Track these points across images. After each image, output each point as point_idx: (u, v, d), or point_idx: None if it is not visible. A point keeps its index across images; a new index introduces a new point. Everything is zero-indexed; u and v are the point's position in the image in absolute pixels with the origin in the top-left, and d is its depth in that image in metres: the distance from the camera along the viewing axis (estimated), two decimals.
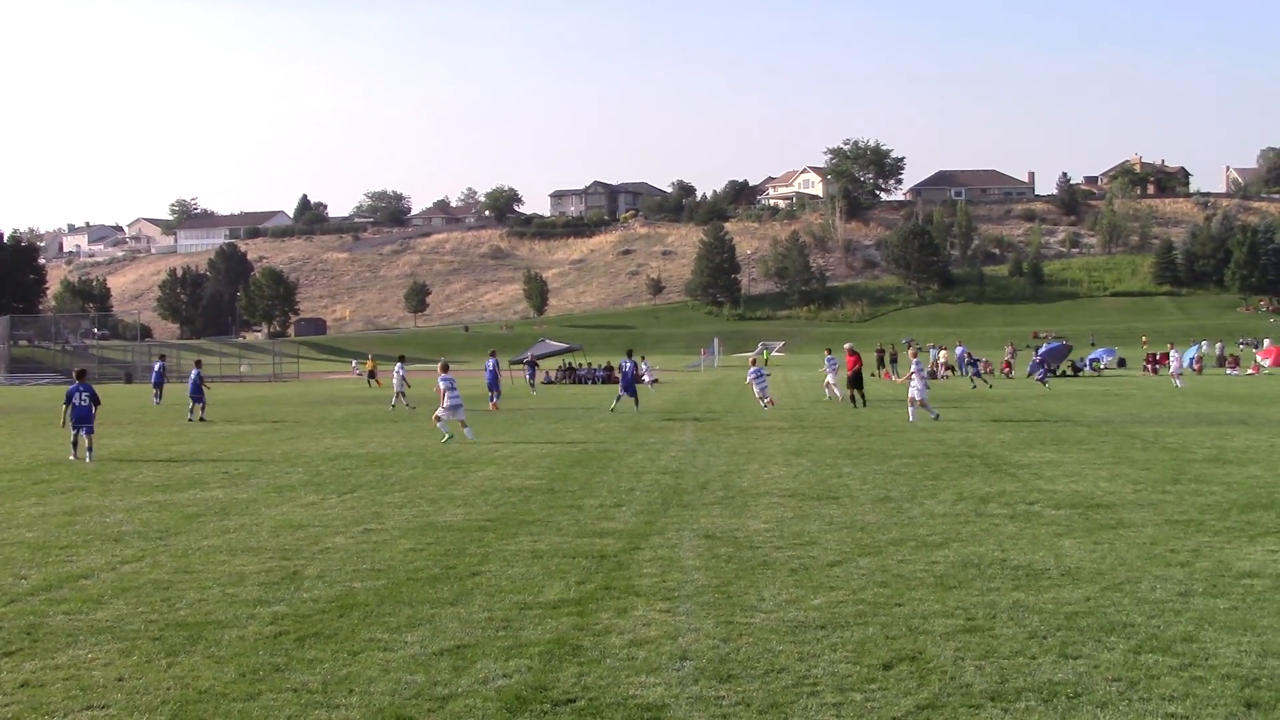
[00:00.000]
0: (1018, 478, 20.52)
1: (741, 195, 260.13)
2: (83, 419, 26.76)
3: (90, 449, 26.37)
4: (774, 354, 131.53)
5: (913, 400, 34.48)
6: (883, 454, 24.87)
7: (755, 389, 42.12)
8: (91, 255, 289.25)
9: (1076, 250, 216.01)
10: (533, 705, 8.17)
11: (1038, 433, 29.56)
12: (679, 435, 30.86)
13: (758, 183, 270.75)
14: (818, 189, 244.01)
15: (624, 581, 12.20)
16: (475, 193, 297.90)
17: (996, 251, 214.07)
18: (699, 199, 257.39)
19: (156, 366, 53.88)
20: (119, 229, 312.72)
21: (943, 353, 74.65)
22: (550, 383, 72.72)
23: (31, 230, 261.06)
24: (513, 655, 9.42)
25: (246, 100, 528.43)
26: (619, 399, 42.92)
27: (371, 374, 74.23)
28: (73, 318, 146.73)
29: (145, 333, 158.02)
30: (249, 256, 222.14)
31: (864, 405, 41.95)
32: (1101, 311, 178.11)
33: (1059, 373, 70.14)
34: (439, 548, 14.39)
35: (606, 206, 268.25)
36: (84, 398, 27.17)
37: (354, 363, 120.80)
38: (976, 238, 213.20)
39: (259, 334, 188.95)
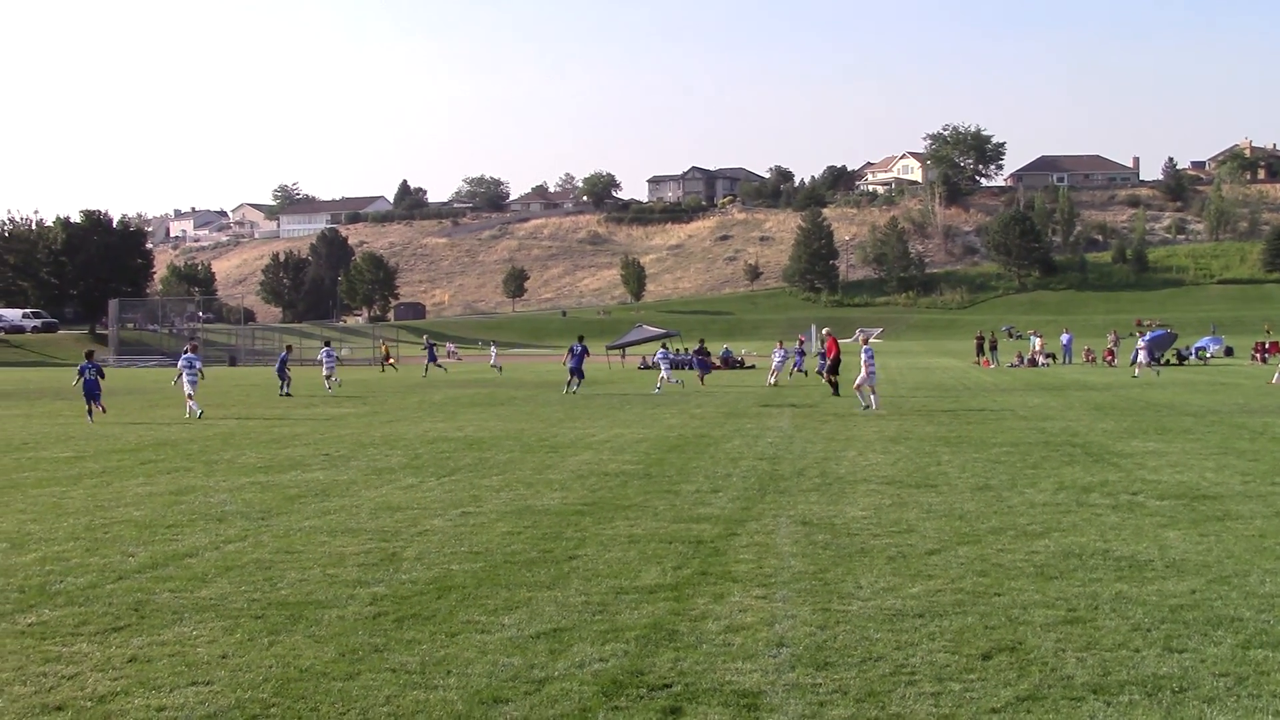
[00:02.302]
0: (1121, 467, 20.21)
1: (840, 181, 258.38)
2: (92, 392, 33.12)
3: (90, 414, 32.69)
4: (872, 340, 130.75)
5: (858, 386, 34.19)
6: (982, 442, 24.61)
7: (864, 369, 42.68)
8: (197, 240, 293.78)
9: (1182, 237, 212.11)
10: (628, 690, 8.17)
11: (1141, 422, 29.10)
12: (776, 421, 30.75)
13: (856, 168, 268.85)
14: (917, 175, 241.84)
15: (720, 567, 12.18)
16: (573, 178, 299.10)
17: (1099, 238, 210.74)
18: (797, 185, 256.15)
19: (282, 355, 53.03)
20: (223, 214, 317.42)
21: (1039, 340, 73.56)
22: (647, 368, 72.74)
23: (139, 215, 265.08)
24: (609, 639, 9.43)
25: (348, 87, 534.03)
26: (570, 381, 44.70)
27: (386, 357, 76.14)
28: (178, 301, 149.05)
29: (249, 316, 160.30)
30: (350, 241, 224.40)
31: (837, 394, 41.44)
32: (1208, 299, 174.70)
33: (1163, 361, 69.01)
34: (536, 531, 14.46)
35: (704, 192, 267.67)
36: (91, 373, 33.49)
37: (452, 346, 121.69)
38: (1079, 224, 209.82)
39: (359, 318, 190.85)
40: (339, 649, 9.23)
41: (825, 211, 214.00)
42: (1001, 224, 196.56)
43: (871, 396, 34.18)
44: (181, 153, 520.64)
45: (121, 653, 9.21)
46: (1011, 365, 67.98)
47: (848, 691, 8.12)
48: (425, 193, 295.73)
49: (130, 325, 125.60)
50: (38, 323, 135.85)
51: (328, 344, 58.24)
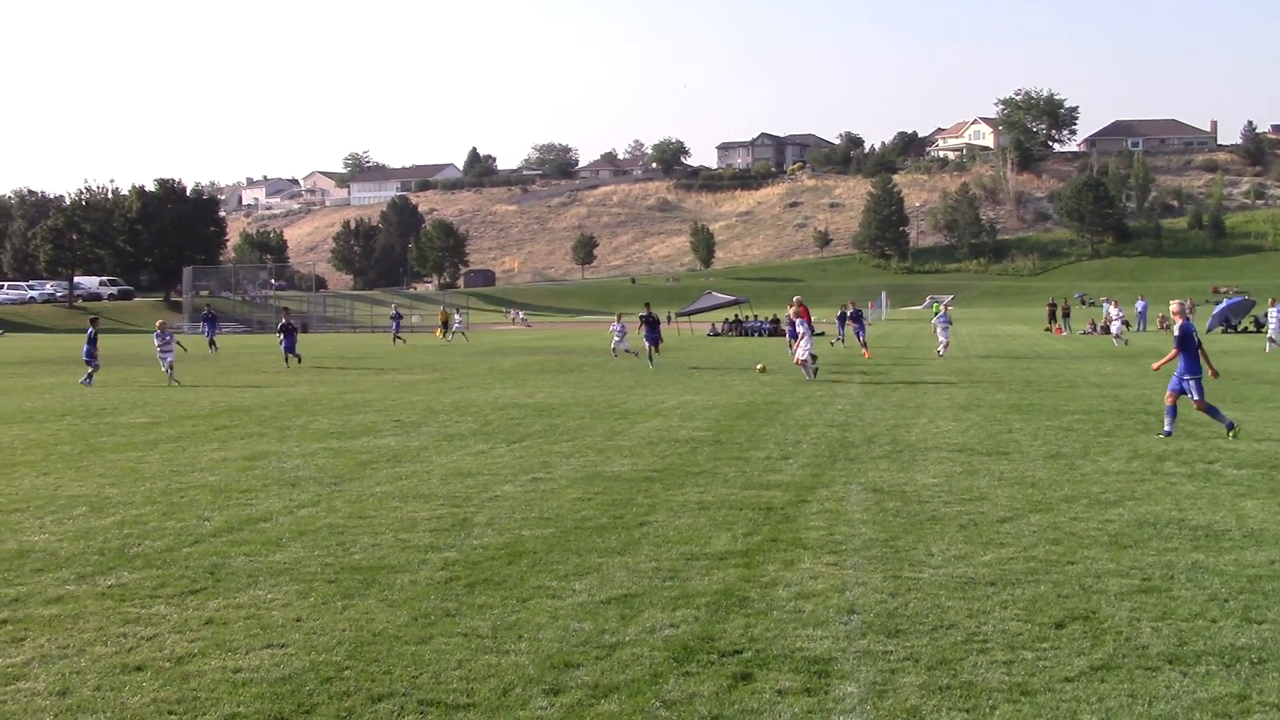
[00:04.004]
0: (1196, 435, 19.96)
1: (910, 147, 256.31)
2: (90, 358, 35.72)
3: (89, 378, 34.73)
4: (943, 308, 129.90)
5: (801, 361, 33.72)
6: (1054, 409, 24.40)
7: (940, 336, 43.86)
8: (269, 208, 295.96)
9: (1261, 202, 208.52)
10: (699, 655, 8.18)
11: (1217, 390, 28.61)
12: (846, 389, 30.63)
13: (927, 134, 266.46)
14: (988, 140, 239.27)
15: (791, 534, 12.16)
16: (642, 145, 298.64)
17: (1175, 204, 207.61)
18: (867, 151, 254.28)
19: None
20: (295, 182, 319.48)
21: (1112, 307, 72.72)
22: (716, 335, 72.69)
23: (212, 184, 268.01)
24: (679, 605, 9.44)
25: (417, 54, 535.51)
26: (649, 353, 41.65)
27: (444, 324, 77.65)
28: (251, 269, 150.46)
29: (320, 284, 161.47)
30: (420, 209, 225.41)
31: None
32: None
33: (1240, 328, 68.02)
34: (606, 497, 14.50)
35: (773, 158, 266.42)
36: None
37: (521, 314, 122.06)
38: (1154, 189, 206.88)
39: (429, 285, 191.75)
40: (411, 613, 9.30)
41: (895, 178, 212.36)
42: (1074, 190, 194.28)
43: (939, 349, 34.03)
44: (254, 121, 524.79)
45: (198, 615, 9.33)
46: (1084, 333, 67.32)
47: (919, 659, 8.09)
48: (495, 160, 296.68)
49: (204, 293, 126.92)
50: (114, 290, 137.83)
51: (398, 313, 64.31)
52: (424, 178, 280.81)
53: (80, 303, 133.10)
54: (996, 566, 10.63)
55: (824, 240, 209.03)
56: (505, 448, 19.46)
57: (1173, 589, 9.83)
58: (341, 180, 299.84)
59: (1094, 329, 68.18)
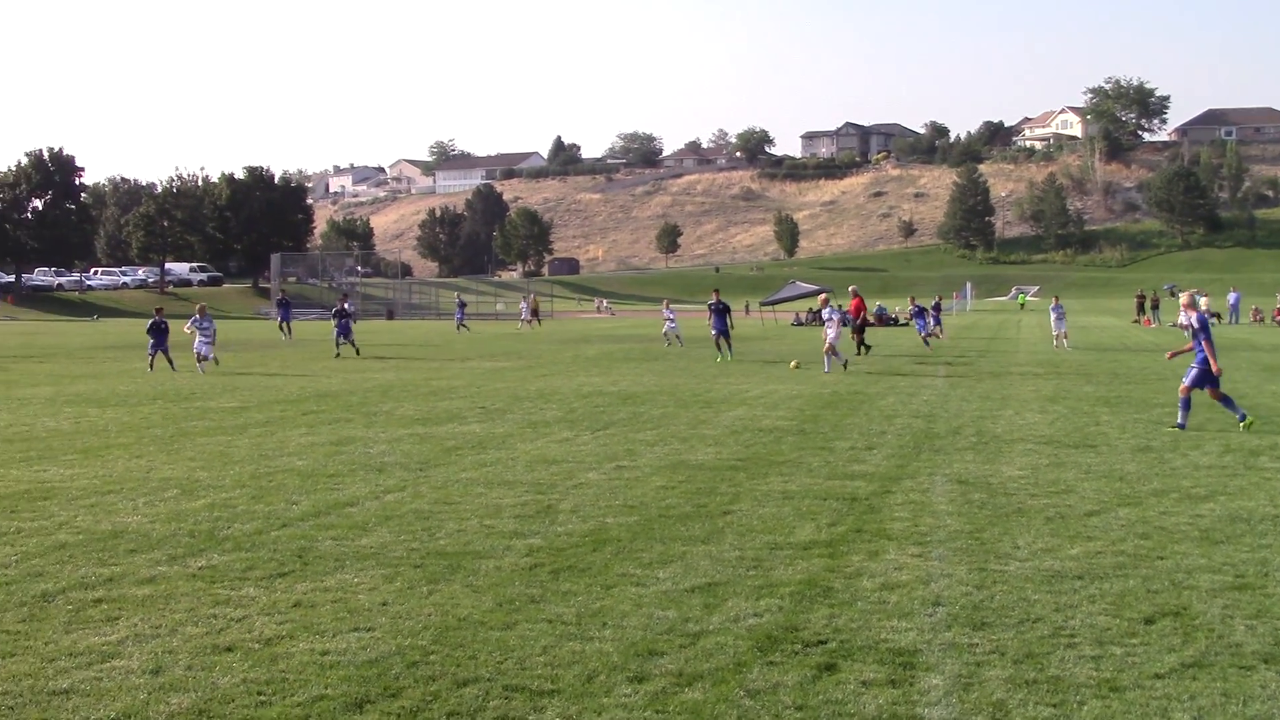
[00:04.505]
0: None
1: (996, 136, 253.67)
2: (158, 344, 35.56)
3: (151, 364, 35.03)
4: (1029, 298, 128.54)
5: (829, 350, 32.85)
6: (1143, 402, 24.07)
7: (1056, 328, 44.15)
8: (355, 195, 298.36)
9: None
10: (783, 645, 8.16)
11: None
12: (931, 379, 30.42)
13: (1013, 124, 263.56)
14: (1076, 130, 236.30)
15: (875, 525, 12.09)
16: (726, 134, 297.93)
17: (1270, 194, 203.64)
18: (952, 140, 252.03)
19: (458, 301, 74.49)
20: (381, 170, 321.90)
21: (1204, 299, 71.71)
22: (800, 324, 72.43)
23: (300, 172, 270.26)
24: (764, 595, 9.42)
25: (503, 42, 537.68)
26: (719, 344, 39.31)
27: (535, 312, 78.23)
28: (338, 256, 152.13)
29: (406, 271, 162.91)
30: (504, 197, 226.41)
31: (866, 352, 41.04)
32: None
33: None
34: (690, 486, 14.49)
35: (858, 148, 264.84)
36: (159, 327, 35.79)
37: (605, 302, 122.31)
38: (1248, 179, 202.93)
39: (514, 273, 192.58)
40: (496, 599, 9.35)
41: (981, 167, 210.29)
42: (1164, 180, 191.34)
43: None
44: (341, 109, 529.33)
45: (286, 597, 9.44)
46: (1174, 325, 66.38)
47: (1005, 652, 8.01)
48: (579, 149, 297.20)
49: (291, 279, 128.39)
50: (203, 276, 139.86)
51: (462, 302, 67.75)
52: (509, 166, 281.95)
53: (171, 288, 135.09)
54: (1084, 560, 10.51)
55: (908, 230, 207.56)
56: (589, 435, 19.51)
57: (1267, 586, 9.66)
58: (427, 168, 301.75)
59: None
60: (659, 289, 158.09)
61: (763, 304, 76.76)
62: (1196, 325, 20.22)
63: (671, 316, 49.62)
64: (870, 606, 9.10)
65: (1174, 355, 22.19)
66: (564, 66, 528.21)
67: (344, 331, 43.19)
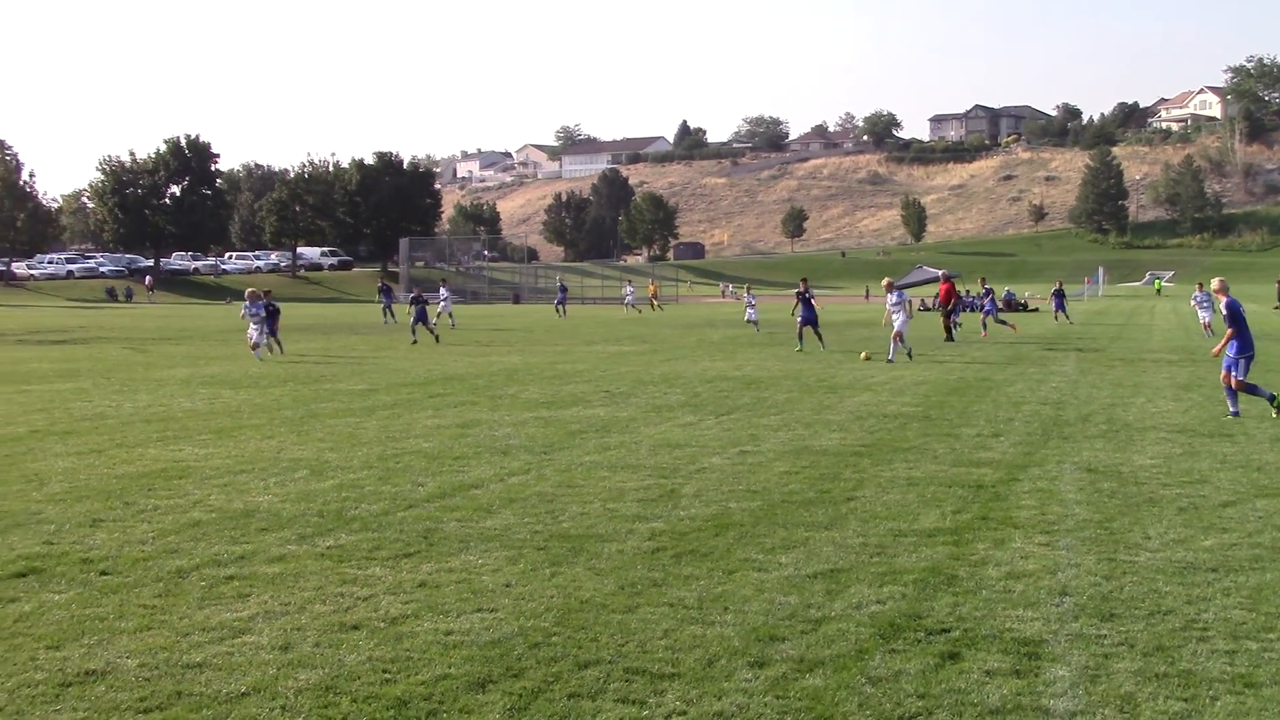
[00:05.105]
0: None
1: (1131, 118, 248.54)
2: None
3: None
4: (1164, 284, 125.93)
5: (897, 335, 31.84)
6: None
7: (1202, 315, 43.30)
8: (482, 180, 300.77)
9: None
10: (906, 633, 8.10)
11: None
12: (1060, 366, 29.95)
13: (1149, 104, 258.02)
14: (1215, 110, 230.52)
15: (1001, 512, 11.94)
16: (853, 117, 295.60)
17: None
18: (1085, 122, 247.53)
19: (560, 285, 76.92)
20: (508, 155, 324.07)
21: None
22: (926, 310, 71.66)
23: (429, 157, 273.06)
24: (886, 582, 9.36)
25: (628, 27, 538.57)
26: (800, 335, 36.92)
27: (654, 296, 78.06)
28: (465, 240, 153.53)
29: (532, 255, 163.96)
30: (630, 181, 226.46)
31: (951, 340, 40.06)
32: None
33: None
34: (814, 471, 14.42)
35: (987, 131, 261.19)
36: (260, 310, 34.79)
37: (730, 286, 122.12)
38: None
39: (639, 257, 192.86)
40: (618, 582, 9.39)
41: (1115, 150, 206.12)
42: None
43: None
44: (469, 95, 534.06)
45: (412, 577, 9.57)
46: None
47: (1134, 644, 7.87)
48: (705, 133, 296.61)
49: (419, 263, 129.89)
50: (334, 261, 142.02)
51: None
52: (635, 150, 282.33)
53: (302, 273, 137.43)
54: (1218, 552, 10.28)
55: (1039, 214, 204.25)
56: (713, 420, 19.50)
57: None
58: (553, 153, 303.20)
59: None
60: (784, 273, 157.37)
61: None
62: (1226, 312, 19.76)
63: (752, 303, 49.48)
64: (995, 595, 8.99)
65: (1219, 352, 21.46)
66: (689, 50, 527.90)
67: (421, 318, 42.39)
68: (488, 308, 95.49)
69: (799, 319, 36.49)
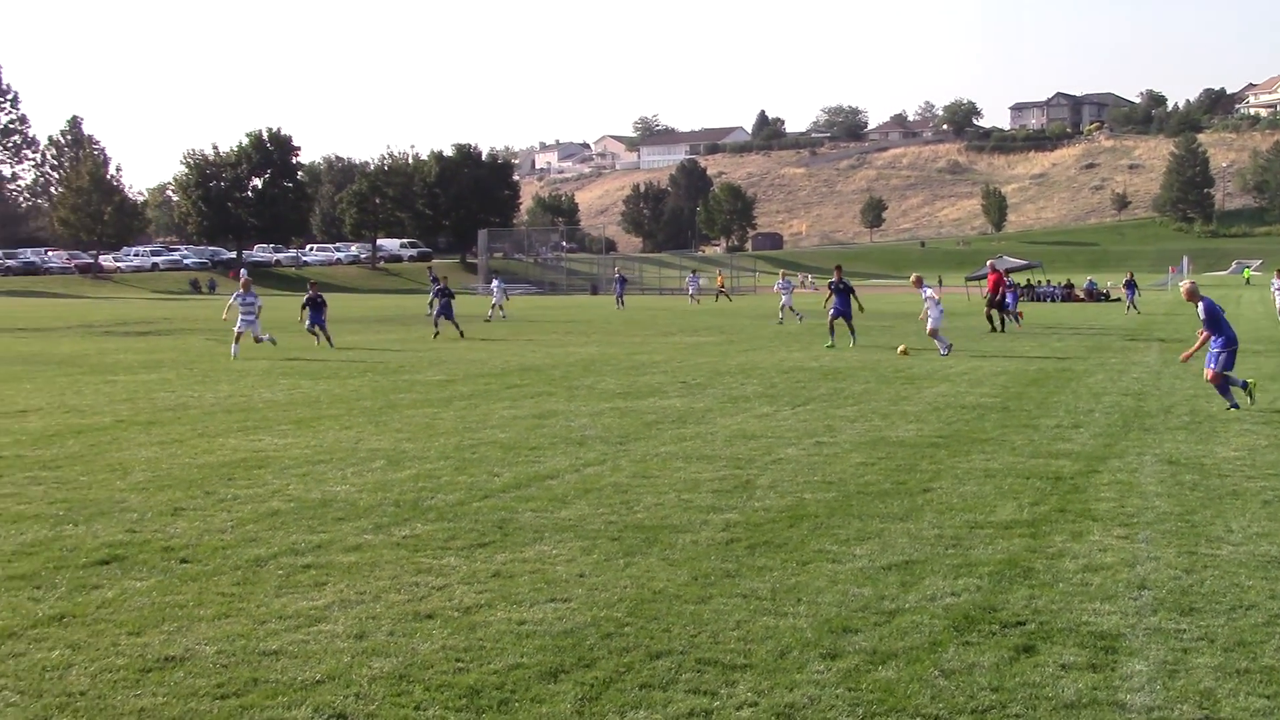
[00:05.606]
0: None
1: (1218, 104, 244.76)
2: (316, 319, 35.48)
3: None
4: (1253, 272, 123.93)
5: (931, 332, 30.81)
6: None
7: (1278, 301, 42.87)
8: (561, 172, 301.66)
9: None
10: (980, 625, 8.03)
11: None
12: (1142, 356, 29.59)
13: (1236, 90, 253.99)
14: None
15: (1080, 504, 11.82)
16: (933, 106, 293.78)
17: None
18: (1169, 109, 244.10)
19: (618, 277, 74.29)
20: (586, 146, 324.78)
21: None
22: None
23: (507, 148, 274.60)
24: (962, 574, 9.29)
25: (706, 16, 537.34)
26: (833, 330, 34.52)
27: (723, 287, 78.07)
28: (543, 231, 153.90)
29: (610, 246, 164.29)
30: (708, 172, 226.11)
31: (1000, 330, 39.47)
32: None
33: None
34: (890, 463, 14.34)
35: (1069, 119, 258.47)
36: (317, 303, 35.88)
37: (810, 277, 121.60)
38: None
39: (717, 248, 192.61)
40: (692, 573, 9.38)
41: (1200, 137, 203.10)
42: None
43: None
44: (547, 87, 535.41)
45: (486, 567, 9.62)
46: None
47: (1214, 639, 7.75)
48: (783, 123, 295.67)
49: (498, 254, 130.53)
50: (414, 252, 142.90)
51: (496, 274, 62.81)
52: (712, 141, 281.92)
53: (382, 264, 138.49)
54: None
55: (1122, 203, 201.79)
56: (789, 411, 19.44)
57: None
58: (631, 144, 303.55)
59: None
60: (863, 264, 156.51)
61: (968, 279, 75.54)
62: (1202, 315, 19.27)
63: (787, 289, 49.29)
64: (1072, 588, 8.90)
65: (1188, 356, 20.85)
66: (767, 40, 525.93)
67: (445, 311, 40.78)
68: (566, 298, 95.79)
69: (831, 312, 34.24)
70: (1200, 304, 19.42)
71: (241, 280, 34.23)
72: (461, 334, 39.96)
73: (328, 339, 35.52)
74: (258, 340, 33.03)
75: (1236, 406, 18.88)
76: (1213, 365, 19.04)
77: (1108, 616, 8.21)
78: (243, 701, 6.79)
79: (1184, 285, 20.57)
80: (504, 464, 14.48)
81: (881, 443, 15.91)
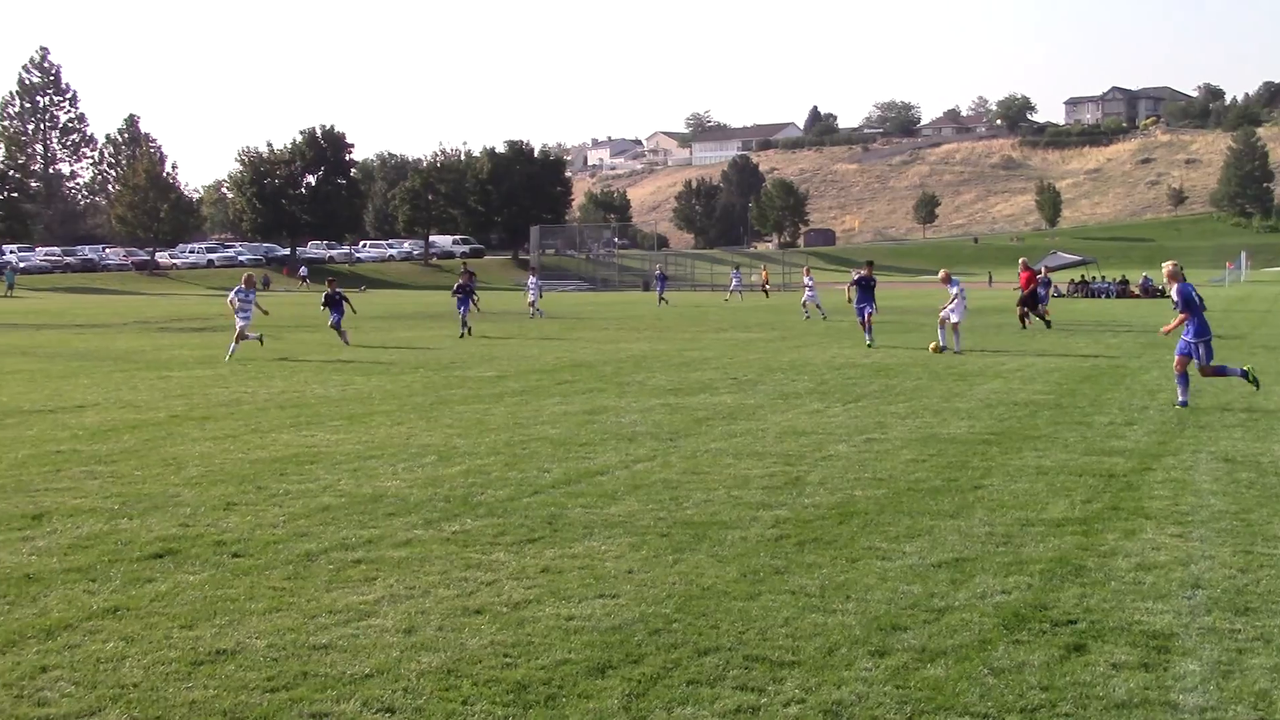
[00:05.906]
0: None
1: (1278, 97, 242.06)
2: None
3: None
4: None
5: (948, 322, 30.22)
6: None
7: None
8: (613, 168, 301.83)
9: None
10: (1031, 624, 7.97)
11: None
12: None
13: None
14: None
15: (1133, 502, 11.71)
16: (986, 101, 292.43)
17: None
18: (1228, 103, 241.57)
19: (658, 274, 76.86)
20: (638, 143, 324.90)
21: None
22: (1061, 296, 70.58)
23: (559, 145, 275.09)
24: (1012, 572, 9.22)
25: (758, 14, 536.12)
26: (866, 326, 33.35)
27: (766, 283, 78.21)
28: (595, 228, 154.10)
29: (662, 242, 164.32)
30: (760, 168, 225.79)
31: (1028, 325, 39.11)
32: None
33: None
34: (941, 459, 14.27)
35: (1125, 113, 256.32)
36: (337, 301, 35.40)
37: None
38: None
39: (770, 244, 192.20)
40: (740, 569, 9.37)
41: (1260, 131, 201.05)
42: None
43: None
44: (599, 83, 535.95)
45: (535, 563, 9.63)
46: None
47: (1270, 640, 7.66)
48: (835, 118, 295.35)
49: (550, 251, 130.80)
50: (466, 249, 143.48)
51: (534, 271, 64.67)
52: (765, 137, 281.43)
53: (434, 260, 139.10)
54: None
55: (1178, 198, 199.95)
56: (840, 407, 19.38)
57: None
58: (683, 140, 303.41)
59: None
60: (916, 260, 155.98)
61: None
62: (1178, 299, 19.23)
63: (811, 284, 48.96)
64: (1124, 587, 8.82)
65: (1169, 330, 20.70)
66: (820, 35, 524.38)
67: (462, 305, 39.70)
68: (618, 294, 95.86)
69: (859, 311, 33.41)
70: (1175, 287, 19.43)
71: (244, 277, 32.99)
72: (469, 331, 38.86)
73: (341, 337, 34.47)
74: (237, 339, 30.63)
75: (1246, 374, 19.29)
76: (1188, 354, 19.10)
77: (1161, 616, 8.14)
78: (292, 695, 6.83)
79: (1166, 266, 20.35)
80: (554, 460, 14.51)
81: (933, 439, 15.84)
